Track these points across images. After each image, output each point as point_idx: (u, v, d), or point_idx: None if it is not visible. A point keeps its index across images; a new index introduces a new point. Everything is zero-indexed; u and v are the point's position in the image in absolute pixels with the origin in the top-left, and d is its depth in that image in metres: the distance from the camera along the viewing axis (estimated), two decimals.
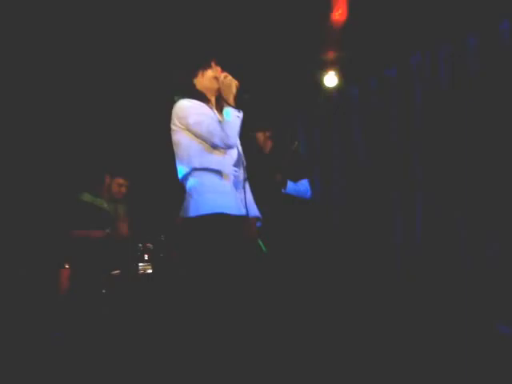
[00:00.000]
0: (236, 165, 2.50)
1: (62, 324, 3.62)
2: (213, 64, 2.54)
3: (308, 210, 3.92)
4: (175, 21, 3.88)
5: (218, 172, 2.40)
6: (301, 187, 3.83)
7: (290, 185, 3.76)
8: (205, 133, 2.37)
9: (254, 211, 2.60)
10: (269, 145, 4.00)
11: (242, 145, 2.63)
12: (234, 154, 2.51)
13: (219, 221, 2.31)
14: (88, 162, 4.55)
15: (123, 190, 4.02)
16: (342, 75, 4.83)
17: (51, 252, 4.21)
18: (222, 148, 2.40)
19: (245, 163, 2.60)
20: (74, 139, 4.84)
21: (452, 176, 4.07)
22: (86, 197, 3.90)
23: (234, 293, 2.30)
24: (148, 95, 4.61)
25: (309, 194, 3.88)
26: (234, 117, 2.40)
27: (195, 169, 2.39)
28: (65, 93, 4.59)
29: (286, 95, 5.05)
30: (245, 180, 2.57)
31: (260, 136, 3.99)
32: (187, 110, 2.41)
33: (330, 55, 4.52)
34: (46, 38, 3.91)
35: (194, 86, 2.52)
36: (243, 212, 2.46)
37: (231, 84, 2.44)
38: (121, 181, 4.01)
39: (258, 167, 3.19)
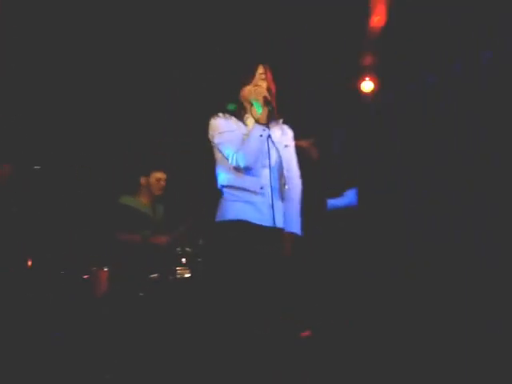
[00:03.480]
0: (269, 181, 2.36)
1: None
2: (258, 71, 2.42)
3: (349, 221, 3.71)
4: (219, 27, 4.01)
5: (245, 189, 2.35)
6: (344, 200, 3.70)
7: (330, 202, 3.64)
8: (225, 155, 2.35)
9: (292, 226, 2.41)
10: (315, 152, 3.72)
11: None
12: (264, 172, 2.37)
13: (239, 227, 2.30)
14: (125, 163, 4.47)
15: (162, 183, 3.85)
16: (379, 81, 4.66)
17: (90, 254, 4.17)
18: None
19: (285, 174, 2.43)
20: (112, 143, 4.81)
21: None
22: (125, 199, 3.76)
23: (242, 297, 2.26)
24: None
25: (354, 203, 3.72)
26: (254, 136, 2.29)
27: (223, 186, 2.40)
28: (102, 94, 4.65)
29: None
30: (283, 192, 2.43)
31: (303, 144, 3.81)
32: (213, 128, 2.39)
33: (368, 61, 4.41)
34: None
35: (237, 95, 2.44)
36: (272, 224, 2.33)
37: (258, 97, 2.33)
38: (159, 174, 3.84)
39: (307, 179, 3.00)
